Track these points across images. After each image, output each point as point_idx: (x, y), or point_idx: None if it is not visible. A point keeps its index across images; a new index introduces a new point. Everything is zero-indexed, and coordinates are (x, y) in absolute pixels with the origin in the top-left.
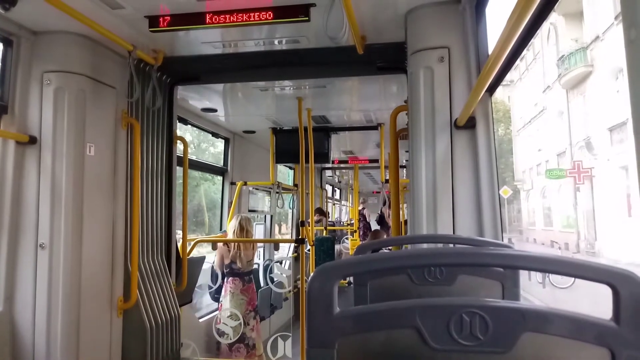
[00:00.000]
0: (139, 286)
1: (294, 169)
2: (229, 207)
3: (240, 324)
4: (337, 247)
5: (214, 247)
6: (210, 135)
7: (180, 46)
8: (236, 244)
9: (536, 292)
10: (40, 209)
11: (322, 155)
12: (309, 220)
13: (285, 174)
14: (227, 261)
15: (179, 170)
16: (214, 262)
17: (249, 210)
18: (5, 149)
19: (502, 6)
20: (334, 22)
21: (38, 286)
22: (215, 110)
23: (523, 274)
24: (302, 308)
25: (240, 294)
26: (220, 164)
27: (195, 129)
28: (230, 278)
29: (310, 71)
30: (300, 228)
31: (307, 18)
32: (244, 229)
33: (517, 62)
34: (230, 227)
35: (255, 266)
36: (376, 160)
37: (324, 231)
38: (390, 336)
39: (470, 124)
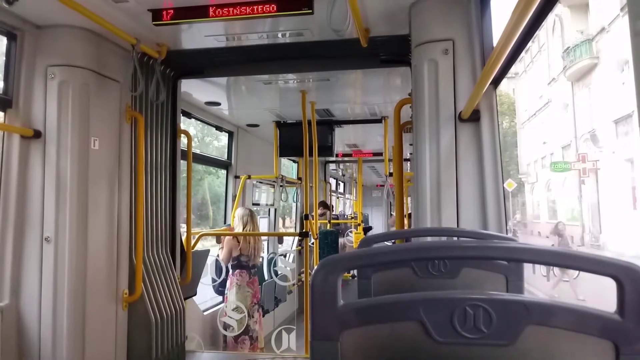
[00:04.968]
0: (144, 279)
1: (297, 163)
2: (233, 201)
3: (245, 317)
4: (340, 240)
5: (218, 241)
6: (214, 128)
7: (184, 40)
8: (248, 236)
9: (540, 285)
10: (46, 202)
11: (326, 149)
12: (313, 213)
13: (289, 167)
14: (235, 254)
15: (183, 164)
16: (218, 255)
17: (253, 204)
18: (9, 143)
19: None
20: (337, 14)
21: (44, 279)
22: (219, 104)
23: (527, 267)
24: (306, 301)
25: (246, 287)
26: (224, 157)
27: (199, 122)
28: (237, 270)
29: (314, 64)
30: (304, 221)
31: (310, 11)
32: (254, 220)
33: (522, 54)
34: (241, 219)
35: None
36: (380, 154)
37: (328, 224)
38: (394, 329)
39: (474, 117)
